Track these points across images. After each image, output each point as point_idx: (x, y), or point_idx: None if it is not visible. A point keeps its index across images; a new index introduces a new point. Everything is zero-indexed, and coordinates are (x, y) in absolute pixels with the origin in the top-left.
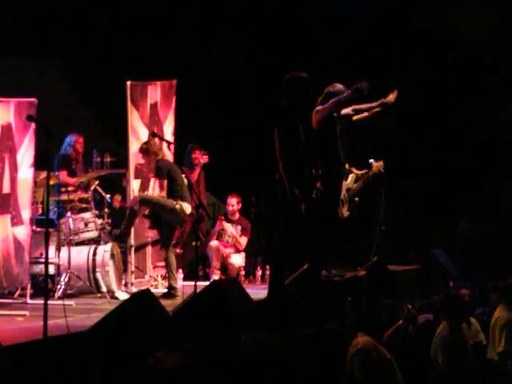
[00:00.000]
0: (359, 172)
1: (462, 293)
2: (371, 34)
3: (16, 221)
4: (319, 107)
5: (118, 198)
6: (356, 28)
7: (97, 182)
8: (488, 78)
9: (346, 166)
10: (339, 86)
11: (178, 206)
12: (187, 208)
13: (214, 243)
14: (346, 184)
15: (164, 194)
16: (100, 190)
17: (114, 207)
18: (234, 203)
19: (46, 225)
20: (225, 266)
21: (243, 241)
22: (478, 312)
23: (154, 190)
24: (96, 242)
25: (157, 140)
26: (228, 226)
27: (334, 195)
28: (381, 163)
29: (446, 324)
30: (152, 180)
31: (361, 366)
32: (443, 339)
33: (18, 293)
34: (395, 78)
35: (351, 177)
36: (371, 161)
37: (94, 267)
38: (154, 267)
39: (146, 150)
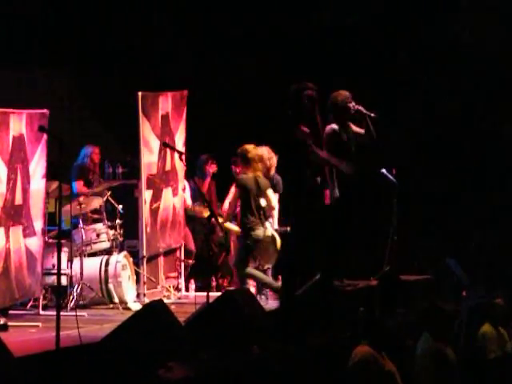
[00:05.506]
0: None
1: (497, 302)
2: (379, 44)
3: (28, 232)
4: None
5: None
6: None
7: (109, 193)
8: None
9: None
10: (345, 94)
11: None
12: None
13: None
14: None
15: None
16: (112, 201)
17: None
18: None
19: (58, 236)
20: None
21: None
22: None
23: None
24: (108, 252)
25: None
26: None
27: (344, 205)
28: None
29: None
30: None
31: (358, 379)
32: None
33: (30, 304)
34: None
35: None
36: (383, 171)
37: (107, 278)
38: (167, 278)
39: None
